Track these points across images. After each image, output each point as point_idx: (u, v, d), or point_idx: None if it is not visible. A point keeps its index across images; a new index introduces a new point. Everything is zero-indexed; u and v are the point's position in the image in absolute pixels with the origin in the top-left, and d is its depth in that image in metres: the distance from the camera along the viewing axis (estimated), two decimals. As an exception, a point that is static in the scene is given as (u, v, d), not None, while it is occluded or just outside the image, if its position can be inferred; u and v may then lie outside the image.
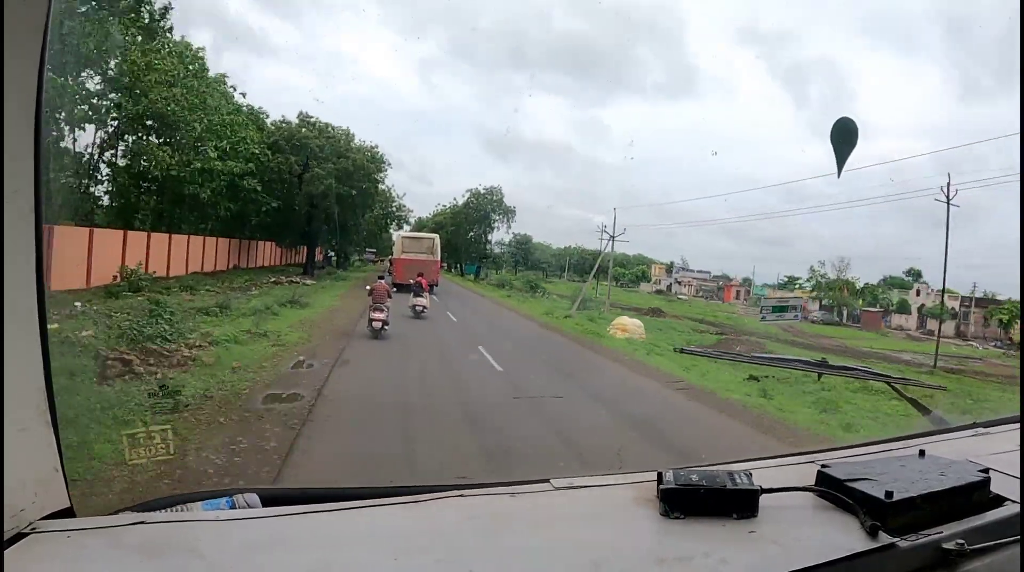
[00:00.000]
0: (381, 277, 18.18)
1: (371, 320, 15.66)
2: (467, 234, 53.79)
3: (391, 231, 47.68)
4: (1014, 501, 1.29)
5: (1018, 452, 1.54)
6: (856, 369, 3.78)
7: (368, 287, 16.71)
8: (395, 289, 20.60)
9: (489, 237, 54.95)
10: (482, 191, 53.40)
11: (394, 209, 44.06)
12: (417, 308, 19.86)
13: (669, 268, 57.49)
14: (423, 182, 66.59)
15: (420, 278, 20.90)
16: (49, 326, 1.12)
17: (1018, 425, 1.87)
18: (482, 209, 53.23)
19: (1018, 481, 1.34)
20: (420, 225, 53.75)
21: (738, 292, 52.28)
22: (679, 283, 56.17)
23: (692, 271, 56.22)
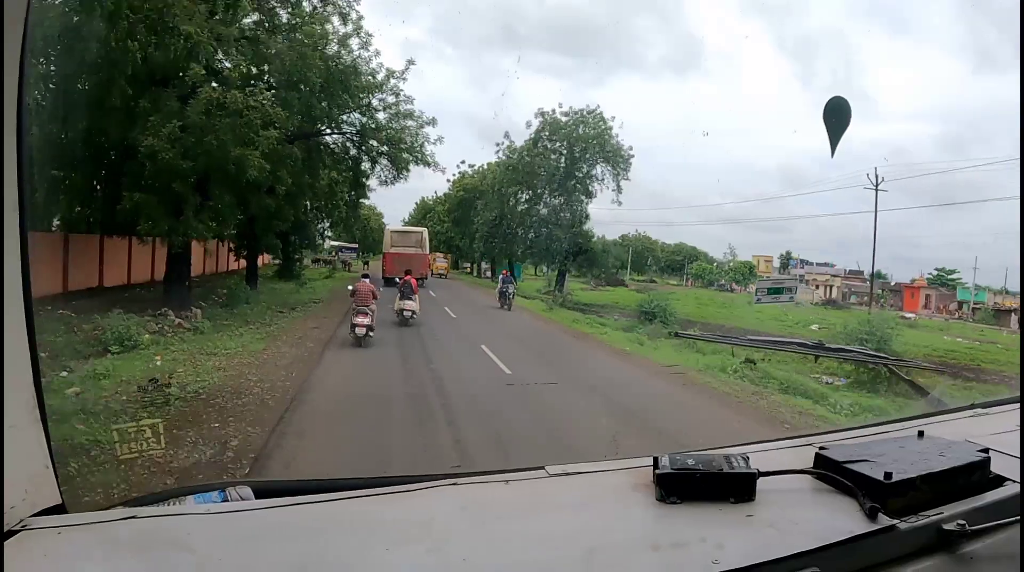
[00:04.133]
0: (366, 275, 16.52)
1: (353, 325, 14.02)
2: (536, 204, 31.18)
3: (370, 186, 24.85)
4: (1014, 481, 1.28)
5: (1017, 432, 1.54)
6: (853, 351, 3.80)
7: (350, 287, 15.19)
8: (384, 285, 20.11)
9: (586, 207, 30.70)
10: (563, 119, 29.71)
11: (385, 129, 21.15)
12: (405, 313, 17.16)
13: (784, 262, 40.18)
14: (414, 174, 64.87)
15: (408, 277, 17.90)
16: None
17: (1017, 405, 1.86)
18: (568, 153, 29.87)
19: (1017, 461, 1.34)
20: (423, 210, 42.62)
21: (928, 297, 32.69)
22: (804, 282, 37.60)
23: (811, 264, 40.36)
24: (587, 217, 31.09)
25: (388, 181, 23.28)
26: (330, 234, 39.40)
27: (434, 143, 21.70)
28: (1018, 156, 1.32)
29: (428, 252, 30.57)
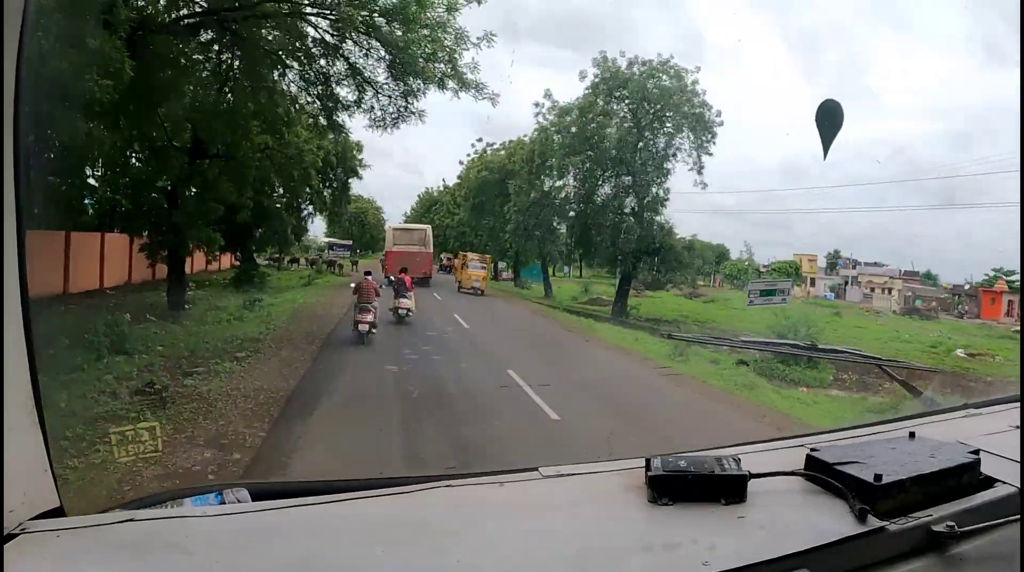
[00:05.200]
0: (368, 273, 15.47)
1: (356, 322, 13.41)
2: (595, 184, 23.41)
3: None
4: (1005, 482, 1.29)
5: (1008, 433, 1.56)
6: (846, 352, 3.81)
7: (353, 284, 14.48)
8: (386, 285, 18.22)
9: (661, 190, 22.92)
10: (624, 69, 22.31)
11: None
12: (400, 311, 16.25)
13: (832, 261, 35.39)
14: (413, 172, 63.76)
15: (403, 275, 16.77)
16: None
17: (1008, 406, 1.88)
18: (634, 116, 22.41)
19: (1008, 462, 1.35)
20: (427, 203, 38.27)
21: (1011, 303, 26.54)
22: (857, 285, 34.24)
23: (860, 264, 35.38)
24: (663, 203, 23.03)
25: (385, 120, 13.76)
26: (324, 230, 32.99)
27: (475, 45, 12.28)
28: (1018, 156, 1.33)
29: (431, 250, 27.94)
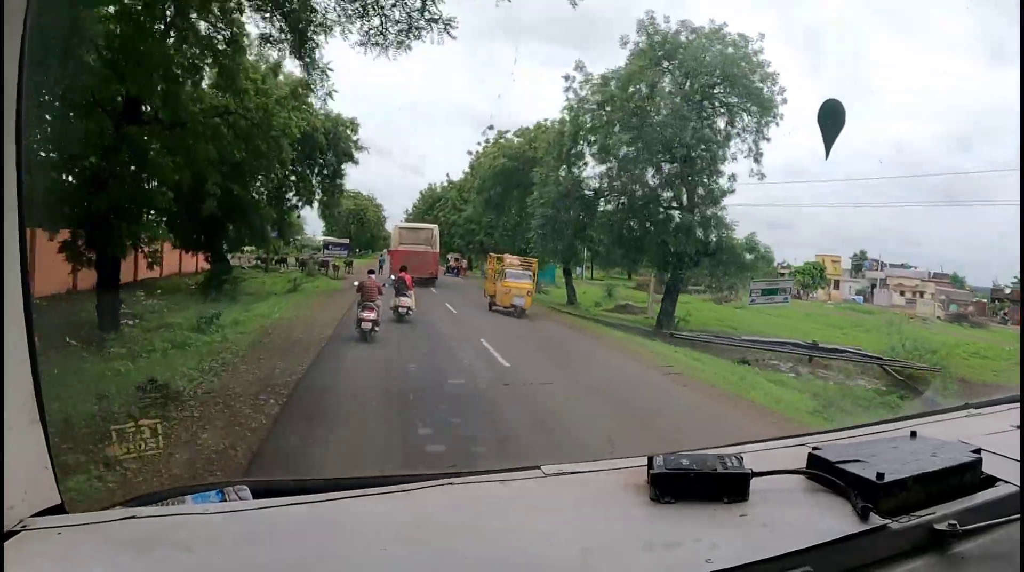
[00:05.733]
0: (372, 272, 15.45)
1: (359, 320, 13.49)
2: (642, 163, 19.16)
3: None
4: (1006, 481, 1.29)
5: (1009, 432, 1.56)
6: (848, 351, 3.82)
7: (356, 283, 14.62)
8: (390, 284, 17.44)
9: (720, 180, 19.21)
10: (674, 37, 18.91)
11: None
12: (401, 309, 16.25)
13: (858, 262, 32.89)
14: (415, 172, 63.04)
15: (403, 273, 16.64)
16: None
17: (1009, 406, 1.88)
18: (681, 91, 18.82)
19: (1009, 461, 1.36)
20: (429, 200, 36.57)
21: None
22: (886, 287, 31.55)
23: (885, 266, 32.77)
24: (723, 194, 19.14)
25: (387, 35, 9.68)
26: (323, 229, 30.42)
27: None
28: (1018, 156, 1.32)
29: (438, 250, 26.14)
